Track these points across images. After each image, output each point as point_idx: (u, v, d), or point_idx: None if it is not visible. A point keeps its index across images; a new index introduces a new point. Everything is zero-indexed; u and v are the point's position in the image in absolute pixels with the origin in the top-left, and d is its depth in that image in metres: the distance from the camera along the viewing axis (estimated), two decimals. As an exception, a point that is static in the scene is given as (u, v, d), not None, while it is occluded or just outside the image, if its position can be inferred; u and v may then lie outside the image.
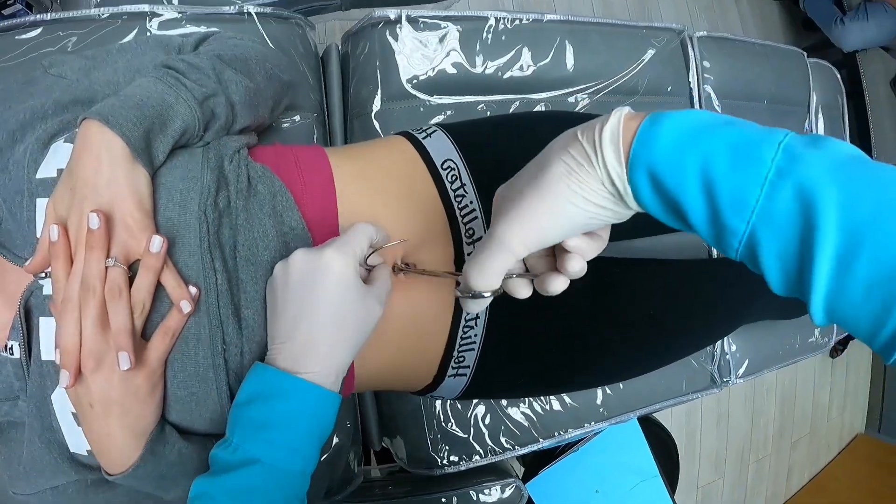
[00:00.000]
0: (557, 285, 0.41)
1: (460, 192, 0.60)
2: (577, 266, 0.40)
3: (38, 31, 0.72)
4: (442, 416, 0.81)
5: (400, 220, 0.57)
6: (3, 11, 1.41)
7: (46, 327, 0.46)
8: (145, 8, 0.74)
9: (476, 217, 0.59)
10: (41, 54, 0.70)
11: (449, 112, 0.85)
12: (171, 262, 0.46)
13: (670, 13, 2.03)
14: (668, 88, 0.97)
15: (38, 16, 0.72)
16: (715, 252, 0.99)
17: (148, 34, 0.74)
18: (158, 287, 0.45)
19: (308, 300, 0.44)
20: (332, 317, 0.44)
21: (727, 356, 1.00)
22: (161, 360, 0.45)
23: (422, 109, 0.84)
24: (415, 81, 0.84)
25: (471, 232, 0.58)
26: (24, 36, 0.71)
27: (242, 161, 0.53)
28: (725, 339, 1.00)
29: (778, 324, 1.03)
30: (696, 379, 0.97)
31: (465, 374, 0.62)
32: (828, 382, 2.09)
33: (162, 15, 0.75)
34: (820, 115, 1.17)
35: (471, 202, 0.60)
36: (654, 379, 0.92)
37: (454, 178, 0.60)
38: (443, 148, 0.63)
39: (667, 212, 0.32)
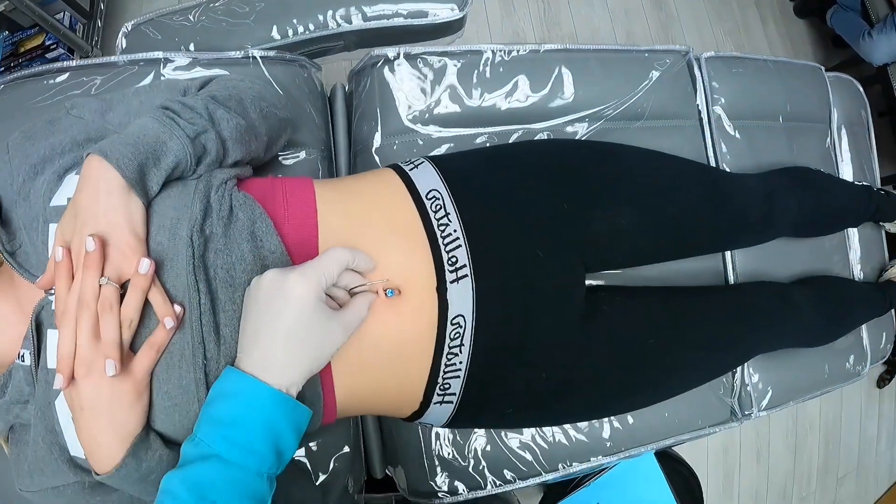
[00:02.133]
0: None
1: (444, 220, 0.61)
2: None
3: (66, 76, 0.79)
4: (441, 447, 0.80)
5: (380, 247, 0.58)
6: (47, 55, 1.55)
7: (53, 338, 0.51)
8: (159, 55, 0.81)
9: (459, 245, 0.60)
10: (67, 97, 0.78)
11: (449, 145, 0.87)
12: (158, 282, 0.50)
13: (694, 39, 2.01)
14: (675, 111, 0.96)
15: (64, 62, 0.80)
16: (731, 279, 0.96)
17: (162, 78, 0.80)
18: (148, 305, 0.49)
19: (268, 319, 0.48)
20: (287, 337, 0.48)
21: (748, 387, 0.95)
22: (146, 371, 0.49)
23: (421, 143, 0.86)
24: (414, 116, 0.86)
25: (453, 259, 0.59)
26: (53, 80, 0.79)
27: (227, 190, 0.56)
28: (746, 369, 0.95)
29: (803, 351, 0.98)
30: (713, 412, 0.92)
31: (452, 402, 0.62)
32: (875, 413, 1.95)
33: (175, 61, 0.81)
34: (843, 132, 1.13)
35: (454, 230, 0.60)
36: (666, 412, 0.89)
37: (438, 207, 0.61)
38: (428, 178, 0.64)
39: None
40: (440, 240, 0.60)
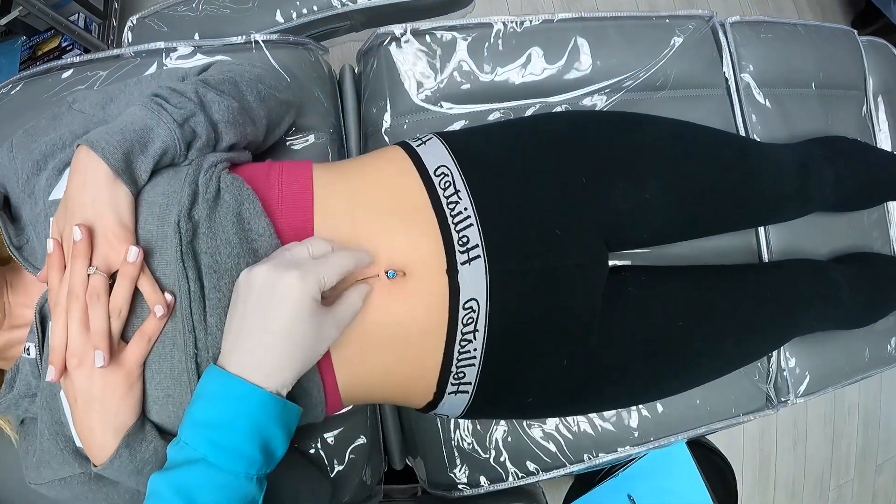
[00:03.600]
0: None
1: (453, 198, 0.57)
2: None
3: (71, 71, 0.79)
4: (461, 438, 0.77)
5: (382, 228, 0.55)
6: (63, 57, 1.56)
7: None
8: (161, 45, 0.79)
9: (471, 224, 0.56)
10: (72, 91, 0.77)
11: (463, 122, 0.83)
12: (148, 271, 0.49)
13: (718, 3, 1.92)
14: (700, 80, 0.90)
15: (68, 59, 0.80)
16: (766, 256, 0.90)
17: (164, 67, 0.79)
18: (140, 295, 0.49)
19: (261, 319, 0.45)
20: (281, 339, 0.45)
21: (784, 373, 0.90)
22: (138, 362, 0.48)
23: (433, 121, 0.82)
24: (425, 94, 0.83)
25: (465, 239, 0.55)
26: (60, 77, 0.79)
27: (216, 173, 0.54)
28: (782, 353, 0.90)
29: (842, 333, 0.92)
30: (747, 399, 0.87)
31: (467, 392, 0.58)
32: (916, 399, 1.87)
33: (177, 50, 0.80)
34: (880, 100, 1.05)
35: (465, 209, 0.57)
36: (697, 399, 0.84)
37: (447, 184, 0.58)
38: (437, 154, 0.61)
39: None
40: (450, 219, 0.56)
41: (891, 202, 1.03)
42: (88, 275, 0.47)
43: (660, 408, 0.84)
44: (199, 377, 0.49)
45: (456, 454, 0.76)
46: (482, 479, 0.76)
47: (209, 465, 0.42)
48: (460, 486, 0.76)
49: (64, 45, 1.58)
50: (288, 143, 0.80)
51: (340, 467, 0.73)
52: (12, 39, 1.64)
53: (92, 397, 0.47)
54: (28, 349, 0.53)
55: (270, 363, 0.45)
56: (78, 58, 0.80)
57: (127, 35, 0.89)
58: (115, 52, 0.81)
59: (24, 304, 0.56)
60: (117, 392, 0.47)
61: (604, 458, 0.81)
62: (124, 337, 0.48)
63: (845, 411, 1.76)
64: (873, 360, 0.96)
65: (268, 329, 0.45)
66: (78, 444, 0.51)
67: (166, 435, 0.51)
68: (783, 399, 0.91)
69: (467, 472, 0.76)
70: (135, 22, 0.89)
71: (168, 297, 0.48)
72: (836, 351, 0.94)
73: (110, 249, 0.48)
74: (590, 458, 0.80)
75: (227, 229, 0.51)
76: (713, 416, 0.86)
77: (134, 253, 0.47)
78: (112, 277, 0.48)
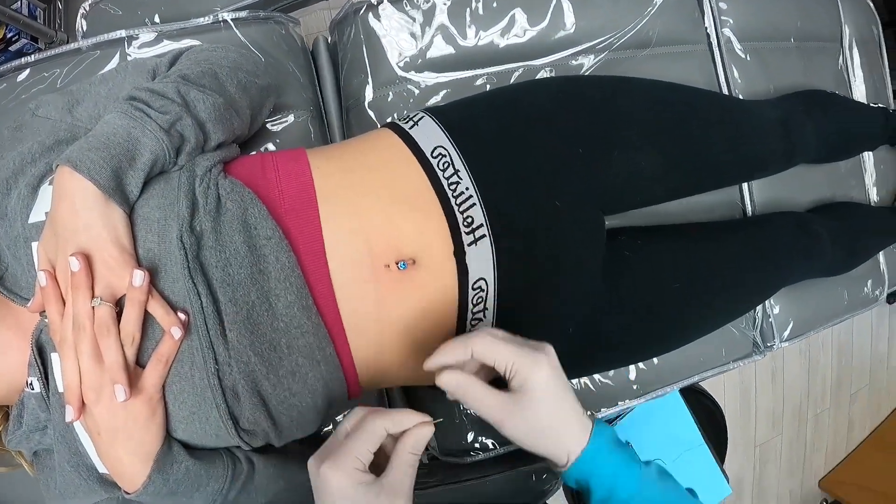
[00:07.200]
0: None
1: (454, 178, 0.57)
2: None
3: (27, 72, 0.73)
4: (468, 405, 0.79)
5: (389, 219, 0.54)
6: (10, 48, 1.45)
7: (57, 362, 0.48)
8: (122, 34, 0.74)
9: (474, 203, 0.56)
10: (31, 94, 0.72)
11: (446, 91, 0.81)
12: (156, 292, 0.46)
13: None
14: (683, 37, 0.89)
15: (22, 59, 0.74)
16: (749, 210, 0.92)
17: (128, 58, 0.74)
18: (151, 316, 0.46)
19: None
20: None
21: (769, 319, 0.94)
22: (157, 386, 0.46)
23: (417, 92, 0.80)
24: (406, 63, 0.80)
25: (469, 220, 0.55)
26: (15, 80, 0.73)
27: (213, 180, 0.51)
28: (767, 301, 0.94)
29: (822, 280, 0.96)
30: (736, 346, 0.91)
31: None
32: (886, 330, 1.96)
33: (139, 37, 0.75)
34: (855, 50, 1.06)
35: (466, 188, 0.56)
36: (690, 349, 0.86)
37: (446, 164, 0.57)
38: (431, 134, 0.59)
39: None
40: (452, 200, 0.56)
41: (866, 152, 1.05)
42: (93, 307, 0.44)
43: (655, 360, 0.86)
44: (223, 391, 0.47)
45: (466, 421, 0.78)
46: (492, 443, 0.79)
47: None
48: (472, 452, 0.78)
49: (9, 35, 1.47)
50: (268, 125, 0.77)
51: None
52: (-50, 34, 1.52)
53: (115, 429, 0.45)
54: (31, 384, 0.50)
55: None
56: (32, 57, 0.74)
57: (80, 24, 0.82)
58: (72, 46, 0.74)
59: (14, 336, 0.51)
60: (140, 420, 0.46)
61: (604, 413, 0.84)
62: (138, 362, 0.46)
63: (819, 344, 1.85)
64: (852, 303, 1.01)
65: None
66: (101, 470, 0.50)
67: (194, 451, 0.50)
68: (769, 344, 0.95)
69: (479, 438, 0.78)
70: (87, 8, 0.82)
71: (182, 315, 0.46)
72: (818, 296, 0.98)
73: (112, 276, 0.45)
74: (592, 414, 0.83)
75: (234, 239, 0.49)
76: (705, 365, 0.89)
77: (139, 277, 0.44)
78: (117, 304, 0.46)
